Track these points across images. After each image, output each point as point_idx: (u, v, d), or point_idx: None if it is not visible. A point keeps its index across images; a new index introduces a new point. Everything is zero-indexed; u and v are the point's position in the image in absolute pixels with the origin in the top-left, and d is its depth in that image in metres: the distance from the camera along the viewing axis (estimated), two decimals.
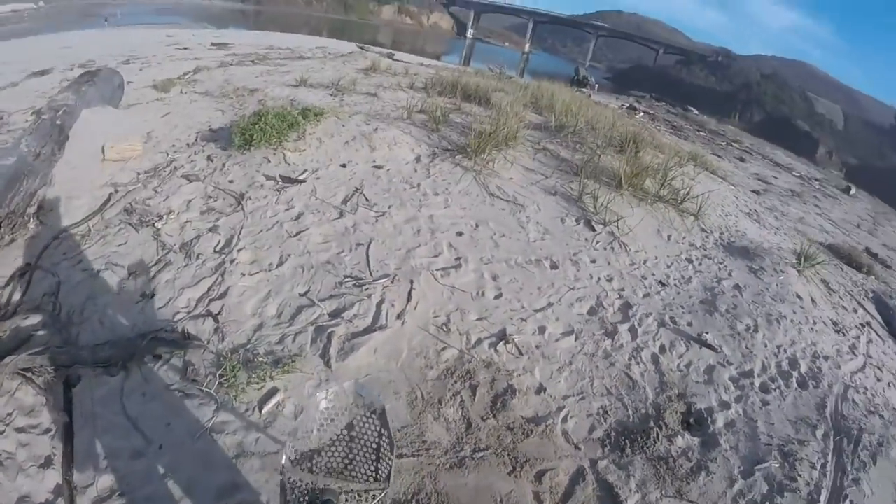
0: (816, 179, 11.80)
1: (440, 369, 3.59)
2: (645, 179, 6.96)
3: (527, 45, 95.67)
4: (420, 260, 4.41)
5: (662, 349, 4.17)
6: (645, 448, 3.35)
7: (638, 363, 3.99)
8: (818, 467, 3.49)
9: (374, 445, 1.96)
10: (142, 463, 2.87)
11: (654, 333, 4.31)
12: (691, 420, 3.63)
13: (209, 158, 5.64)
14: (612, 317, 4.43)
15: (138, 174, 5.15)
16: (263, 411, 3.13)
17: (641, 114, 24.41)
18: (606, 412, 3.56)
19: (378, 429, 1.99)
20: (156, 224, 4.38)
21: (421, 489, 2.93)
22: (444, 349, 3.73)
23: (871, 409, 4.16)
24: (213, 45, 20.26)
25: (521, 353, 3.84)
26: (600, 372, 3.84)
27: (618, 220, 5.80)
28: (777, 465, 3.43)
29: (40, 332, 3.49)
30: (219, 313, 3.64)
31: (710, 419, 3.65)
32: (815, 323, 5.11)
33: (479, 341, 3.85)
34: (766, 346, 4.54)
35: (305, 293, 3.90)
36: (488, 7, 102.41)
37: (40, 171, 4.98)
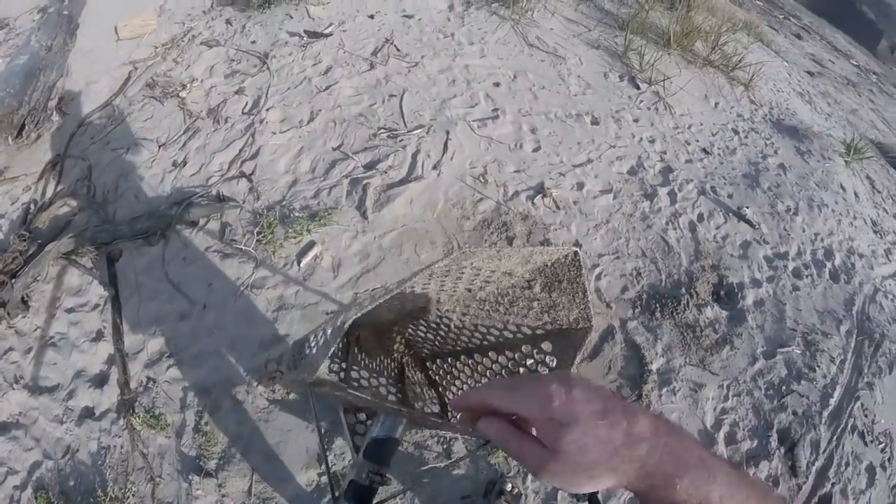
0: (875, 73, 10.49)
1: (477, 220, 3.43)
2: (695, 41, 6.27)
3: None
4: (456, 111, 4.08)
5: (701, 218, 3.95)
6: (674, 314, 3.28)
7: (675, 229, 3.80)
8: (837, 363, 3.43)
9: None
10: (187, 324, 2.86)
11: (693, 201, 4.06)
12: (722, 293, 3.53)
13: (228, 22, 5.21)
14: (653, 179, 4.15)
15: (156, 48, 4.85)
16: (302, 264, 3.04)
17: None
18: (640, 274, 3.45)
19: None
20: (180, 94, 4.12)
21: None
22: (480, 200, 3.53)
23: None
24: None
25: (558, 207, 3.63)
26: (637, 233, 3.67)
27: (664, 81, 5.26)
28: (799, 352, 3.37)
29: (78, 216, 3.44)
30: (252, 173, 3.48)
31: (740, 294, 3.54)
32: (855, 218, 4.79)
33: (517, 193, 3.64)
34: (804, 230, 4.29)
35: (339, 147, 3.67)
36: None
37: (55, 63, 4.80)
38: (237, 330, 2.83)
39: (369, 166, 3.56)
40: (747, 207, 4.19)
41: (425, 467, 2.53)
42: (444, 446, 2.62)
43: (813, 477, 2.93)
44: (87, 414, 2.67)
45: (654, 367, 3.02)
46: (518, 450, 0.57)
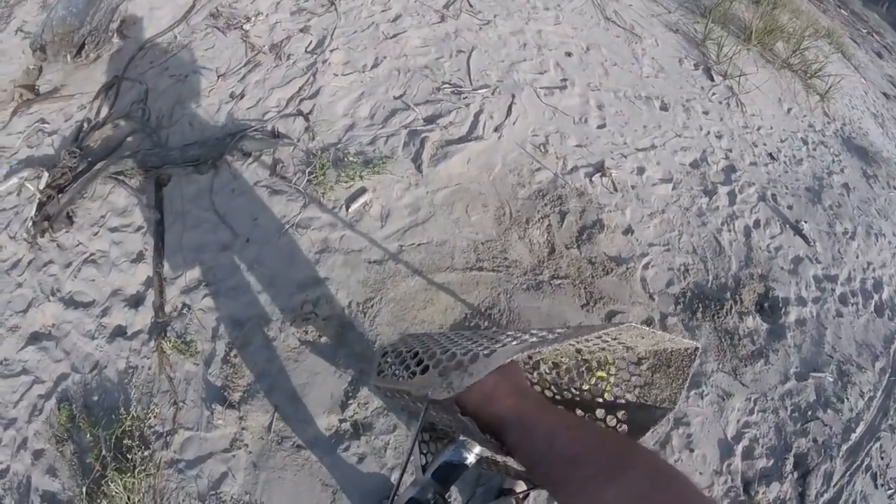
0: None
1: (532, 189, 3.33)
2: (777, 40, 6.02)
3: None
4: (524, 75, 3.93)
5: (757, 224, 3.83)
6: (715, 317, 3.21)
7: (730, 231, 3.68)
8: (865, 399, 3.34)
9: None
10: (228, 256, 2.84)
11: (752, 205, 3.92)
12: (766, 305, 3.42)
13: None
14: (715, 176, 4.00)
15: None
16: (351, 209, 2.98)
17: None
18: (688, 270, 3.36)
19: None
20: (244, 26, 4.05)
21: (495, 304, 2.88)
22: (538, 170, 3.43)
23: None
24: None
25: (615, 189, 3.52)
26: (690, 228, 3.56)
27: (740, 76, 5.06)
28: (831, 380, 3.29)
29: (130, 138, 3.43)
30: (310, 113, 3.39)
31: (783, 310, 3.43)
32: None
33: (576, 168, 3.52)
34: (857, 257, 4.12)
35: (400, 96, 3.56)
36: None
37: None
38: (277, 267, 2.80)
39: (430, 120, 3.45)
40: (805, 222, 4.04)
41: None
42: None
43: None
44: (119, 332, 2.69)
45: None
46: None
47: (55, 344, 2.69)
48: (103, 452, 2.35)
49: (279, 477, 2.41)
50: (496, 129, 3.50)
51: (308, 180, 3.04)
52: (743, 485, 2.79)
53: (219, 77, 3.67)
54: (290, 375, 2.58)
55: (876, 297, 3.92)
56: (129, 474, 2.31)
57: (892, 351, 3.66)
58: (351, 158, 3.14)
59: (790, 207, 4.12)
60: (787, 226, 3.95)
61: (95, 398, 2.56)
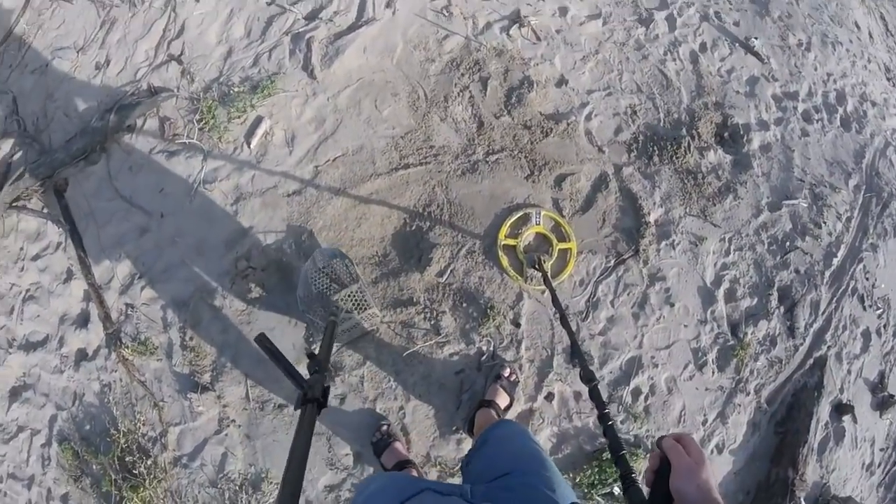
0: None
1: (443, 62, 3.00)
2: None
3: None
4: None
5: (703, 47, 3.42)
6: (674, 158, 2.96)
7: (674, 59, 3.29)
8: (843, 220, 3.11)
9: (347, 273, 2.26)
10: (149, 238, 2.72)
11: (695, 27, 3.48)
12: (726, 134, 3.13)
13: None
14: (648, 1, 3.53)
15: None
16: (252, 145, 2.73)
17: None
18: (635, 112, 3.05)
19: (346, 266, 2.25)
20: None
21: (432, 200, 2.72)
22: (446, 38, 3.06)
23: None
24: None
25: (538, 38, 3.14)
26: (631, 65, 3.19)
27: None
28: (805, 206, 3.05)
29: (16, 158, 3.14)
30: (181, 54, 3.06)
31: (745, 137, 3.13)
32: (869, 61, 4.11)
33: (489, 25, 3.14)
34: (816, 69, 3.68)
35: (273, 1, 3.16)
36: None
37: None
38: (199, 233, 2.65)
39: (311, 16, 3.08)
40: (756, 38, 3.59)
41: (415, 348, 2.49)
42: (432, 322, 2.54)
43: (810, 339, 2.83)
44: (82, 357, 2.66)
45: (651, 218, 2.79)
46: (679, 453, 0.92)
47: (33, 391, 2.67)
48: (113, 477, 2.42)
49: (273, 441, 2.44)
50: (388, 5, 3.10)
51: (199, 129, 2.76)
52: (730, 329, 2.73)
53: (78, 52, 3.29)
54: (249, 338, 2.52)
55: (840, 109, 3.58)
56: (141, 488, 2.37)
57: (864, 166, 3.40)
58: (237, 89, 2.83)
59: (737, 24, 3.68)
60: (737, 44, 3.54)
61: (87, 427, 2.58)
